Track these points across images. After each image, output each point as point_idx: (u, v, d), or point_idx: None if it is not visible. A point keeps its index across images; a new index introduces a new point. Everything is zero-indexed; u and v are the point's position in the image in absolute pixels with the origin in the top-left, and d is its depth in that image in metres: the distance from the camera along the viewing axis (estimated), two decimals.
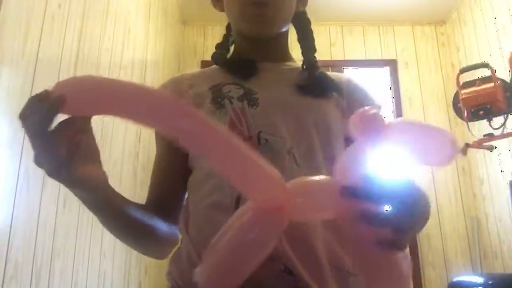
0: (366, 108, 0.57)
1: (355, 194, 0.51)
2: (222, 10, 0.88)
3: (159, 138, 0.85)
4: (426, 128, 0.56)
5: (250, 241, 0.52)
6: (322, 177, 0.55)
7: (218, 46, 0.91)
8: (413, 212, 0.52)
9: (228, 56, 0.90)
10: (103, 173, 0.62)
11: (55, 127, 0.52)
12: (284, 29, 0.85)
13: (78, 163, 0.55)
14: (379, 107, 0.82)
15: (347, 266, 0.70)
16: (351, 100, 0.82)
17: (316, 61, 0.85)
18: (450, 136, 0.54)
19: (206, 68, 0.90)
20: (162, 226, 0.78)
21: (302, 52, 0.87)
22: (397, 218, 0.51)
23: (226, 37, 0.92)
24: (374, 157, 0.54)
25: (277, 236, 0.53)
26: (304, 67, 0.85)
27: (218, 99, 0.77)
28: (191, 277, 0.70)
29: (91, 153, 0.59)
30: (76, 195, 0.62)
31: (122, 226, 0.73)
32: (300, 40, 0.89)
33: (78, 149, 0.54)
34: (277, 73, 0.84)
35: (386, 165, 0.55)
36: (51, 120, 0.51)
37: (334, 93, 0.81)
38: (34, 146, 0.52)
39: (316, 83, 0.80)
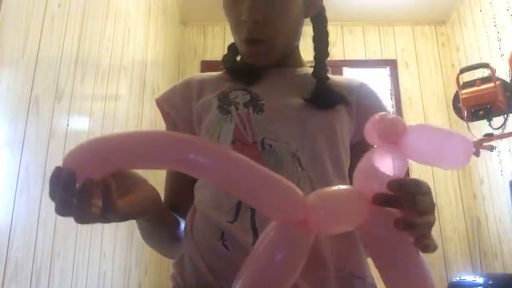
0: (383, 113, 0.56)
1: (391, 201, 0.52)
2: None
3: None
4: (444, 132, 0.55)
5: (278, 261, 0.50)
6: (341, 186, 0.55)
7: (230, 48, 0.90)
8: (434, 211, 0.56)
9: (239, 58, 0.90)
10: (150, 193, 0.64)
11: (81, 188, 0.53)
12: (289, 47, 0.85)
13: (118, 201, 0.55)
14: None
15: (351, 268, 0.70)
16: (361, 105, 0.81)
17: (327, 70, 0.83)
18: (467, 138, 0.54)
19: (216, 73, 0.89)
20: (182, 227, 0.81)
21: (314, 56, 0.85)
22: (430, 220, 0.54)
23: None
24: (394, 162, 0.54)
25: (306, 251, 0.52)
26: (314, 75, 0.83)
27: (224, 105, 0.77)
28: (193, 279, 0.71)
29: (127, 180, 0.61)
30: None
31: (163, 237, 0.78)
32: (314, 41, 0.87)
33: (111, 191, 0.54)
34: (285, 79, 0.83)
35: (406, 169, 0.56)
36: (70, 195, 0.52)
37: (341, 104, 0.80)
38: (76, 219, 0.54)
39: (323, 96, 0.79)
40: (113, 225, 1.92)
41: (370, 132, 0.55)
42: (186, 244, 0.75)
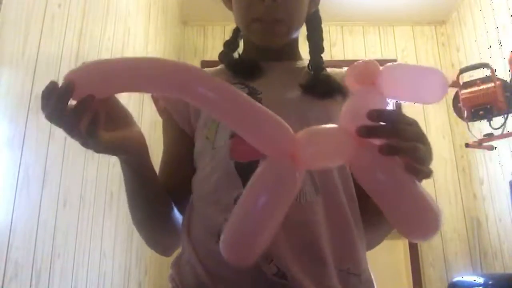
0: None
1: (373, 130, 0.52)
2: (231, 9, 0.87)
3: (168, 132, 0.85)
4: (417, 68, 0.58)
5: (266, 194, 0.51)
6: (328, 125, 0.56)
7: (226, 44, 0.89)
8: (423, 139, 0.55)
9: (238, 53, 0.90)
10: (135, 134, 0.66)
11: (73, 107, 0.55)
12: (296, 33, 0.85)
13: (102, 131, 0.58)
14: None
15: (348, 265, 0.70)
16: None
17: (322, 62, 0.85)
18: (440, 73, 0.56)
19: (214, 68, 0.89)
20: (174, 213, 0.79)
21: (309, 51, 0.86)
22: (416, 146, 0.53)
23: (235, 34, 0.90)
24: (374, 101, 0.56)
25: (293, 186, 0.53)
26: (310, 67, 0.85)
27: None
28: (191, 280, 0.70)
29: (118, 118, 0.63)
30: (121, 162, 0.68)
31: (149, 200, 0.75)
32: (309, 38, 0.88)
33: (99, 119, 0.56)
34: (283, 72, 0.84)
35: (386, 106, 0.58)
36: (64, 106, 0.54)
37: (339, 95, 0.80)
38: (63, 129, 0.56)
39: (320, 84, 0.80)
40: (113, 225, 1.92)
41: (348, 78, 0.59)
42: (183, 244, 0.75)
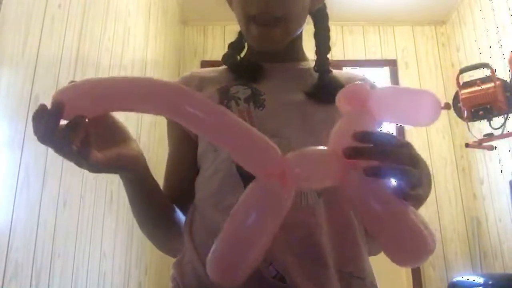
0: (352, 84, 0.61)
1: (358, 152, 0.51)
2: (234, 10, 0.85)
3: (172, 136, 0.85)
4: (408, 90, 0.58)
5: (254, 216, 0.51)
6: (317, 147, 0.55)
7: (230, 46, 0.88)
8: (414, 162, 0.53)
9: (242, 55, 0.88)
10: (131, 151, 0.65)
11: (64, 128, 0.54)
12: (297, 34, 0.83)
13: (94, 151, 0.57)
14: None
15: (351, 268, 0.70)
16: None
17: (329, 64, 0.83)
18: (432, 95, 0.55)
19: (217, 68, 0.88)
20: (180, 218, 0.79)
21: (315, 51, 0.85)
22: (405, 168, 0.51)
23: (240, 36, 0.88)
24: (365, 124, 0.56)
25: (282, 206, 0.52)
26: (315, 69, 0.83)
27: (224, 100, 0.76)
28: (193, 281, 0.70)
29: (113, 136, 0.63)
30: (121, 177, 0.68)
31: (154, 210, 0.75)
32: (315, 37, 0.86)
33: (90, 139, 0.56)
34: (287, 74, 0.83)
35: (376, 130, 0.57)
36: (54, 127, 0.54)
37: None
38: (54, 150, 0.56)
39: (325, 89, 0.78)
40: (113, 225, 1.92)
41: (339, 101, 0.60)
42: (185, 245, 0.75)
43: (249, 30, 0.79)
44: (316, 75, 0.82)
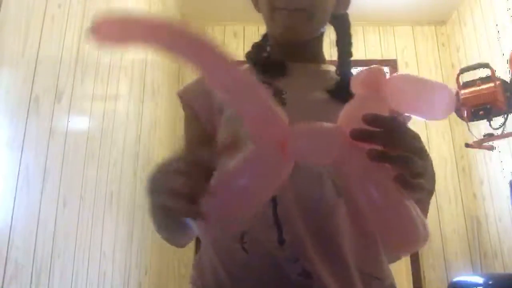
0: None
1: (366, 134, 0.50)
2: (260, 11, 0.87)
3: (188, 128, 0.85)
4: (426, 81, 0.56)
5: (249, 177, 0.51)
6: (327, 124, 0.55)
7: (254, 46, 0.90)
8: (421, 154, 0.52)
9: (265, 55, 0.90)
10: None
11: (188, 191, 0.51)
12: (319, 32, 0.85)
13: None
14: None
15: (370, 269, 0.70)
16: None
17: (351, 67, 0.84)
18: (449, 89, 0.54)
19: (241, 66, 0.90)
20: None
21: (338, 56, 0.86)
22: (409, 156, 0.50)
23: (265, 39, 0.90)
24: (373, 107, 0.54)
25: (279, 175, 0.52)
26: (337, 72, 0.84)
27: None
28: (212, 282, 0.71)
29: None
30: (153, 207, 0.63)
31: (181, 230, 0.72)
32: (338, 42, 0.88)
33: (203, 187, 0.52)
34: (308, 74, 0.84)
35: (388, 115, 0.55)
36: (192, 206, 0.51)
37: None
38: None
39: (346, 89, 0.79)
40: (113, 225, 1.92)
41: (354, 82, 0.58)
42: (205, 245, 0.75)
43: (274, 18, 0.80)
44: (337, 78, 0.82)
